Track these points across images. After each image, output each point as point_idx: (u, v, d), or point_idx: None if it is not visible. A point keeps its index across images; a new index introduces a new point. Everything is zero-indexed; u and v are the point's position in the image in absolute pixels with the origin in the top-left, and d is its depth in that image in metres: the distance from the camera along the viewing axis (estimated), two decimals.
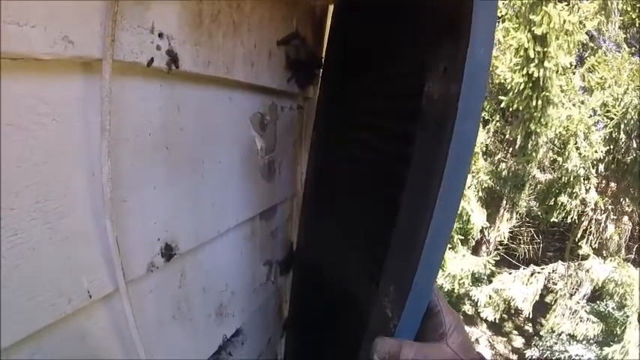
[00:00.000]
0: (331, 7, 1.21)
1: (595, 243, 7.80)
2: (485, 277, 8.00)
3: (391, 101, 0.81)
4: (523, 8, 6.32)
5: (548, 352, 7.60)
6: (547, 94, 6.36)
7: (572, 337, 7.36)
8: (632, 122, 6.72)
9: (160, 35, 0.60)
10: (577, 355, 7.23)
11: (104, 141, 0.55)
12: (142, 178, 0.65)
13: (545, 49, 6.17)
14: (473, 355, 0.62)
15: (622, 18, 7.64)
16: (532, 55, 6.18)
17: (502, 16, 6.98)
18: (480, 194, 7.72)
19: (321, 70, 1.15)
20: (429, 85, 0.59)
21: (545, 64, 6.17)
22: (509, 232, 8.51)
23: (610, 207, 7.56)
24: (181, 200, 0.74)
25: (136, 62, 0.57)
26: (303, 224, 1.18)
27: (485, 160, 7.78)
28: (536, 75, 6.19)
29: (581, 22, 6.44)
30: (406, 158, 0.61)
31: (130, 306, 0.67)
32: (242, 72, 0.83)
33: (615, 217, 7.71)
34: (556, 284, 7.50)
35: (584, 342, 7.28)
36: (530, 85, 6.32)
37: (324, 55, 1.17)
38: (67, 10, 0.46)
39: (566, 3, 6.44)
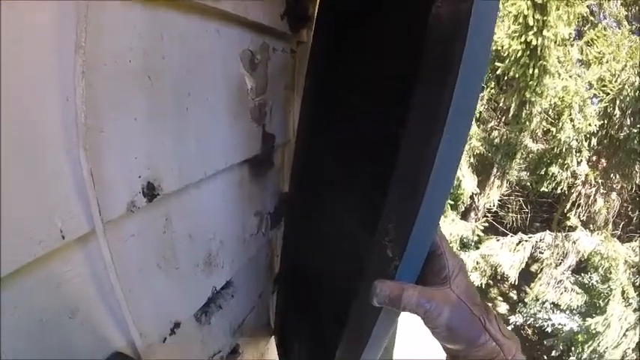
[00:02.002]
0: None
1: (583, 215, 7.88)
2: (473, 243, 8.09)
3: (394, 34, 0.74)
4: None
5: (531, 320, 7.78)
6: (544, 63, 6.28)
7: (555, 306, 7.52)
8: (627, 99, 6.68)
9: None
10: (560, 323, 7.40)
11: (78, 60, 0.49)
12: (122, 108, 0.59)
13: (545, 18, 6.05)
14: (477, 300, 0.59)
15: None
16: (531, 23, 6.06)
17: None
18: (472, 160, 7.71)
19: (317, 11, 1.07)
20: (438, 4, 0.52)
21: (544, 32, 6.06)
22: (498, 201, 8.56)
23: (600, 181, 7.60)
24: (164, 135, 0.68)
25: None
26: (296, 174, 1.13)
27: (479, 126, 7.73)
28: (534, 43, 6.09)
29: None
30: (409, 93, 0.56)
31: (109, 250, 0.62)
32: (230, 3, 0.76)
33: (605, 192, 7.76)
34: (542, 253, 7.60)
35: (567, 312, 7.44)
36: (528, 53, 6.23)
37: None
38: None
39: None
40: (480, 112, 7.69)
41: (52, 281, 0.56)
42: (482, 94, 7.50)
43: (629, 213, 8.31)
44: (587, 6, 6.81)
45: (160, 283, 0.79)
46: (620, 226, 8.34)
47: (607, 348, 6.50)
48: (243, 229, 1.06)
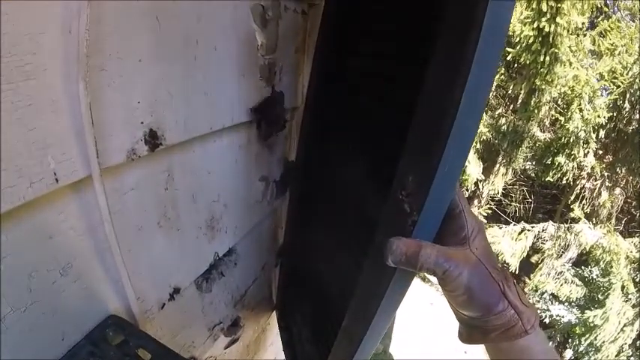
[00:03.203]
0: None
1: (587, 208, 7.83)
2: None
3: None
4: None
5: None
6: (556, 50, 6.15)
7: (554, 297, 7.50)
8: (638, 93, 6.57)
9: None
10: (558, 315, 7.40)
11: None
12: (126, 47, 0.55)
13: (559, 5, 5.92)
14: (496, 265, 0.55)
15: None
16: (545, 9, 5.93)
17: None
18: (478, 147, 7.64)
19: None
20: None
21: (558, 19, 5.93)
22: (502, 190, 8.51)
23: (606, 174, 7.53)
24: (170, 82, 0.64)
25: None
26: (304, 141, 1.09)
27: (486, 112, 7.63)
28: (547, 30, 5.96)
29: None
30: (430, 48, 0.51)
31: (106, 201, 0.58)
32: None
33: (610, 185, 7.70)
34: (544, 244, 7.56)
35: (566, 303, 7.43)
36: (540, 39, 6.10)
37: None
38: None
39: None
40: (488, 98, 7.60)
41: (43, 231, 0.53)
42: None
43: (632, 210, 8.25)
44: None
45: (159, 244, 0.76)
46: (623, 223, 8.28)
47: (604, 342, 6.49)
48: (248, 194, 1.02)
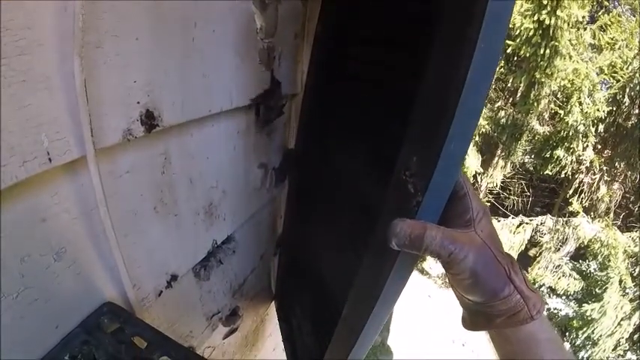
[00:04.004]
0: None
1: (585, 202, 7.83)
2: None
3: None
4: None
5: None
6: (556, 43, 6.12)
7: (552, 290, 7.53)
8: (637, 87, 6.56)
9: None
10: (555, 308, 7.44)
11: None
12: (123, 25, 0.53)
13: None
14: (500, 247, 0.53)
15: None
16: (545, 2, 5.89)
17: None
18: (477, 139, 7.62)
19: None
20: None
21: (558, 12, 5.90)
22: (501, 183, 8.51)
23: (605, 168, 7.53)
24: (167, 63, 0.62)
25: None
26: (304, 128, 1.07)
27: (485, 105, 7.61)
28: (547, 22, 5.93)
29: None
30: (432, 32, 0.49)
31: (101, 183, 0.56)
32: None
33: (609, 179, 7.70)
34: (542, 237, 7.58)
35: (563, 297, 7.47)
36: (540, 32, 6.07)
37: None
38: None
39: None
40: (492, 82, 7.56)
41: (36, 214, 0.51)
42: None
43: (630, 205, 8.27)
44: None
45: (156, 230, 0.75)
46: (621, 217, 8.30)
47: (601, 336, 6.52)
48: (247, 180, 1.00)
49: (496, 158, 8.05)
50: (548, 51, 6.16)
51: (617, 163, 7.49)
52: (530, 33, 6.11)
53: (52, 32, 0.45)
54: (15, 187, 0.45)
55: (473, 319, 0.56)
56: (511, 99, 7.59)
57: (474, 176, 7.80)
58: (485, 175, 8.09)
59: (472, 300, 0.53)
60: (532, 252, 8.02)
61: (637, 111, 6.89)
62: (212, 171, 0.85)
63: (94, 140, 0.52)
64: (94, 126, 0.52)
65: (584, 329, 6.74)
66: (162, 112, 0.63)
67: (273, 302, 1.50)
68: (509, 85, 7.41)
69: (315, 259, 1.14)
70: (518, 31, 6.23)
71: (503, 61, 7.18)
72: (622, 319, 6.46)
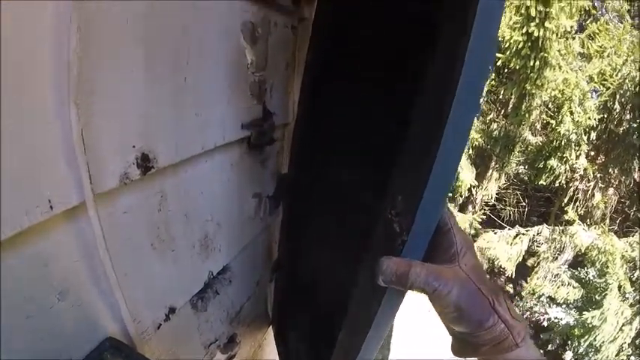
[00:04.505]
0: None
1: (581, 210, 7.87)
2: (471, 236, 8.09)
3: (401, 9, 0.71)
4: None
5: (528, 313, 7.79)
6: (545, 55, 6.23)
7: (552, 299, 7.52)
8: (628, 94, 6.66)
9: None
10: (556, 317, 7.41)
11: (74, 16, 0.45)
12: (117, 69, 0.55)
13: (547, 10, 6.00)
14: (485, 280, 0.56)
15: None
16: (533, 14, 6.01)
17: None
18: (470, 152, 7.68)
19: None
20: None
21: (546, 24, 6.01)
22: (496, 194, 8.54)
23: (599, 175, 7.58)
24: (161, 104, 0.64)
25: None
26: (296, 155, 1.10)
27: (477, 118, 7.69)
28: (536, 34, 6.04)
29: None
30: (419, 67, 0.52)
31: (100, 226, 0.58)
32: None
33: (603, 186, 7.75)
34: (540, 247, 7.60)
35: (563, 305, 7.45)
36: (529, 44, 6.18)
37: None
38: None
39: None
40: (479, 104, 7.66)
41: (39, 258, 0.53)
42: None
43: (626, 209, 8.31)
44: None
45: (154, 265, 0.76)
46: (617, 222, 8.33)
47: (603, 342, 6.50)
48: (242, 211, 1.02)
49: (490, 170, 8.11)
50: (537, 62, 6.26)
51: (610, 170, 7.56)
52: (520, 45, 6.22)
53: (47, 83, 0.46)
54: (18, 235, 0.47)
55: (460, 347, 0.58)
56: (503, 111, 7.67)
57: (469, 189, 7.84)
58: (480, 187, 8.13)
59: (458, 330, 0.56)
60: (530, 262, 8.03)
61: (628, 117, 6.97)
62: (207, 205, 0.87)
63: (92, 186, 0.54)
64: (92, 172, 0.54)
65: (586, 337, 6.72)
66: (157, 154, 0.65)
67: (271, 327, 1.50)
68: (500, 97, 7.49)
69: (310, 283, 1.16)
70: (507, 44, 6.33)
71: (494, 74, 7.28)
72: (623, 325, 6.45)
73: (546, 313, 7.55)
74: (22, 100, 0.44)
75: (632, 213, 8.07)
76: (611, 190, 7.84)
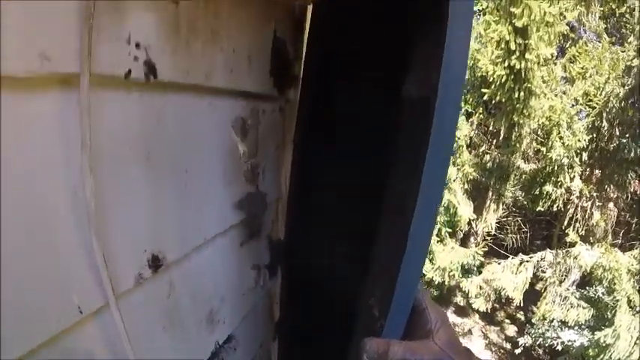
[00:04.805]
0: (310, 7, 1.21)
1: (582, 230, 7.91)
2: (475, 268, 8.09)
3: (371, 103, 0.82)
4: (503, 1, 6.36)
5: (540, 339, 7.71)
6: (529, 85, 6.43)
7: (563, 323, 7.46)
8: (614, 110, 6.84)
9: (137, 46, 0.60)
10: (569, 340, 7.34)
11: (85, 156, 0.55)
12: (125, 191, 0.65)
13: (527, 41, 6.24)
14: (460, 350, 0.63)
15: (602, 8, 7.73)
16: (513, 48, 6.24)
17: (483, 9, 7.04)
18: (466, 186, 7.79)
19: (302, 71, 1.15)
20: (407, 86, 0.60)
21: (527, 55, 6.24)
22: (497, 223, 8.57)
23: (595, 194, 7.67)
24: (166, 210, 0.74)
25: (114, 75, 0.57)
26: (289, 226, 1.18)
27: (470, 152, 7.84)
28: (517, 67, 6.26)
29: (561, 14, 6.53)
30: (387, 157, 0.62)
31: (121, 319, 0.67)
32: (221, 78, 0.83)
33: (600, 204, 7.82)
34: (545, 272, 7.60)
35: (575, 327, 7.39)
36: (512, 77, 6.39)
37: (304, 56, 1.17)
38: (42, 26, 0.46)
39: None
40: (471, 137, 7.82)
41: (69, 351, 0.61)
42: (472, 119, 7.66)
43: (629, 219, 8.35)
44: (567, 23, 7.01)
45: (165, 345, 0.84)
46: (621, 234, 8.36)
47: (619, 359, 6.44)
48: (242, 283, 1.10)
49: (488, 202, 8.18)
50: (522, 93, 6.45)
51: (606, 186, 7.65)
52: (504, 79, 6.41)
53: (67, 213, 0.56)
54: (54, 336, 0.55)
55: None
56: (495, 141, 7.82)
57: (469, 223, 7.90)
58: (480, 220, 8.18)
59: None
60: (539, 286, 8.01)
61: (617, 132, 7.12)
62: (210, 283, 0.95)
63: (113, 290, 0.63)
64: (112, 279, 0.63)
65: (602, 356, 6.65)
66: (165, 253, 0.74)
67: None
68: (490, 128, 7.66)
69: (313, 341, 1.22)
70: (491, 79, 6.53)
71: (482, 107, 7.48)
72: (638, 339, 6.41)
73: (559, 337, 7.48)
74: (51, 237, 0.53)
75: (635, 223, 8.11)
76: (610, 205, 7.90)
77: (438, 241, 7.72)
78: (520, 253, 7.88)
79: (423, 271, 8.01)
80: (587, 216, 7.89)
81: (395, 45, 0.72)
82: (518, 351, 8.14)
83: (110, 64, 0.55)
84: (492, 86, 6.62)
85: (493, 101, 6.91)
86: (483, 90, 6.85)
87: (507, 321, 9.49)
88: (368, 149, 0.85)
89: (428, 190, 0.54)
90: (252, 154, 1.01)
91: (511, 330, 9.20)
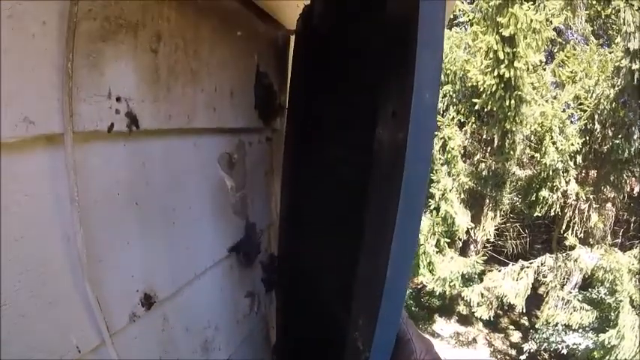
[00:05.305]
0: (293, 37, 1.24)
1: (580, 233, 7.91)
2: (476, 276, 8.07)
3: (348, 142, 0.85)
4: (490, 11, 6.43)
5: (545, 344, 7.67)
6: (519, 92, 6.47)
7: (567, 326, 7.43)
8: (605, 112, 6.89)
9: (118, 99, 0.63)
10: (574, 343, 7.31)
11: (74, 211, 0.58)
12: (116, 236, 0.68)
13: (515, 50, 6.29)
14: None
15: (588, 11, 7.82)
16: (502, 57, 6.29)
17: (470, 20, 7.13)
18: (462, 196, 7.80)
19: (287, 99, 1.18)
20: (380, 129, 0.63)
21: (515, 64, 6.29)
22: (496, 230, 8.56)
23: (592, 196, 7.69)
24: (156, 250, 0.76)
25: (97, 130, 0.60)
26: (281, 251, 1.21)
27: (465, 162, 7.86)
28: (507, 76, 6.29)
29: (547, 20, 6.60)
30: (364, 199, 0.65)
31: (117, 355, 0.69)
32: (204, 118, 0.86)
33: (598, 206, 7.84)
34: (546, 277, 7.59)
35: (579, 330, 7.36)
36: (502, 85, 6.42)
37: (288, 85, 1.21)
38: (24, 91, 0.49)
39: (532, 2, 6.59)
40: (465, 146, 7.85)
41: None
42: (465, 129, 7.70)
43: (628, 217, 8.36)
44: (554, 28, 7.07)
45: None
46: (621, 233, 8.36)
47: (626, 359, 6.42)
48: (236, 310, 1.12)
49: (485, 210, 8.18)
50: (513, 101, 6.49)
51: (603, 187, 7.67)
52: (494, 88, 6.45)
53: (62, 262, 0.59)
54: None
55: None
56: (489, 149, 7.84)
57: (467, 232, 7.90)
58: (478, 228, 8.18)
59: None
60: (542, 290, 7.99)
61: (610, 133, 7.15)
62: (204, 314, 0.97)
63: (108, 329, 0.66)
64: (107, 319, 0.66)
65: (607, 357, 6.64)
66: (156, 291, 0.76)
67: None
68: (484, 136, 7.69)
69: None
70: (482, 88, 6.58)
71: (474, 117, 7.53)
72: None
73: (563, 341, 7.44)
74: (49, 285, 0.56)
75: (634, 221, 8.12)
76: (608, 205, 7.92)
77: (437, 252, 7.71)
78: (520, 259, 7.86)
79: (424, 282, 8.00)
80: (584, 218, 7.89)
81: (368, 86, 0.75)
82: (523, 357, 8.09)
83: (92, 120, 0.59)
84: (483, 95, 6.66)
85: (485, 110, 6.94)
86: (474, 100, 6.90)
87: (511, 327, 9.44)
88: (348, 190, 0.87)
89: (403, 229, 0.56)
90: (241, 186, 1.03)
91: (515, 336, 9.15)
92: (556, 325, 7.53)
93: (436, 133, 7.42)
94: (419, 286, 8.47)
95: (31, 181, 0.53)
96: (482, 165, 7.73)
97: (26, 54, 0.49)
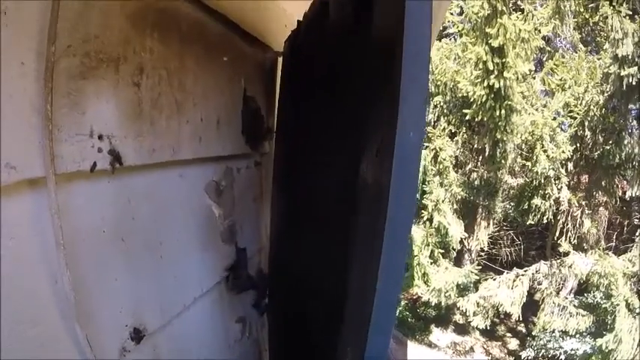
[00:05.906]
0: (280, 59, 1.24)
1: (574, 238, 7.93)
2: (471, 286, 8.06)
3: (333, 174, 0.85)
4: (479, 22, 6.50)
5: (543, 351, 7.65)
6: (509, 102, 6.52)
7: (564, 332, 7.42)
8: (595, 119, 6.95)
9: (100, 137, 0.64)
10: (572, 349, 7.29)
11: (60, 254, 0.58)
12: (103, 273, 0.69)
13: (504, 60, 6.36)
14: None
15: (576, 19, 7.90)
16: (491, 67, 6.35)
17: (459, 31, 7.20)
18: (455, 206, 7.81)
19: (276, 124, 1.18)
20: (364, 166, 0.63)
21: (505, 74, 6.34)
22: (489, 238, 8.56)
23: (584, 202, 7.73)
24: (144, 284, 0.77)
25: (80, 171, 0.60)
26: (272, 274, 1.20)
27: (457, 172, 7.89)
28: (497, 86, 6.34)
29: (536, 29, 6.68)
30: (349, 232, 0.65)
31: None
32: (190, 149, 0.87)
33: (590, 211, 7.87)
34: (541, 284, 7.59)
35: (577, 336, 7.35)
36: (492, 96, 6.47)
37: (276, 108, 1.21)
38: (3, 136, 0.49)
39: (520, 12, 6.66)
40: (457, 156, 7.89)
41: None
42: (456, 139, 7.74)
43: (621, 220, 8.40)
44: (542, 37, 7.15)
45: None
46: (614, 237, 8.39)
47: None
48: (227, 337, 1.12)
49: (478, 219, 8.19)
50: (503, 111, 6.53)
51: (595, 193, 7.71)
52: (484, 99, 6.50)
53: (50, 304, 0.59)
54: None
55: None
56: (480, 158, 7.88)
57: (461, 241, 7.91)
58: (472, 238, 8.19)
59: None
60: (537, 296, 7.99)
61: (600, 140, 7.21)
62: (194, 342, 0.97)
63: None
64: (97, 355, 0.66)
65: None
66: (146, 324, 0.77)
67: None
68: (475, 146, 7.73)
69: None
70: (472, 99, 6.63)
71: (465, 127, 7.57)
72: None
73: (561, 347, 7.43)
74: (38, 328, 0.57)
75: (627, 224, 8.16)
76: (601, 209, 7.96)
77: (431, 263, 7.70)
78: (515, 267, 7.87)
79: (419, 294, 7.98)
80: (577, 224, 7.92)
81: (353, 121, 0.75)
82: None
83: (75, 161, 0.59)
84: (474, 106, 6.70)
85: (476, 120, 6.98)
86: (465, 110, 6.94)
87: (508, 335, 9.40)
88: (334, 224, 0.87)
89: (388, 268, 0.56)
90: (229, 213, 1.03)
91: (513, 344, 9.11)
92: (553, 331, 7.52)
93: (427, 144, 7.48)
94: (414, 297, 8.43)
95: (16, 225, 0.54)
96: (474, 175, 7.76)
97: (5, 97, 0.49)
